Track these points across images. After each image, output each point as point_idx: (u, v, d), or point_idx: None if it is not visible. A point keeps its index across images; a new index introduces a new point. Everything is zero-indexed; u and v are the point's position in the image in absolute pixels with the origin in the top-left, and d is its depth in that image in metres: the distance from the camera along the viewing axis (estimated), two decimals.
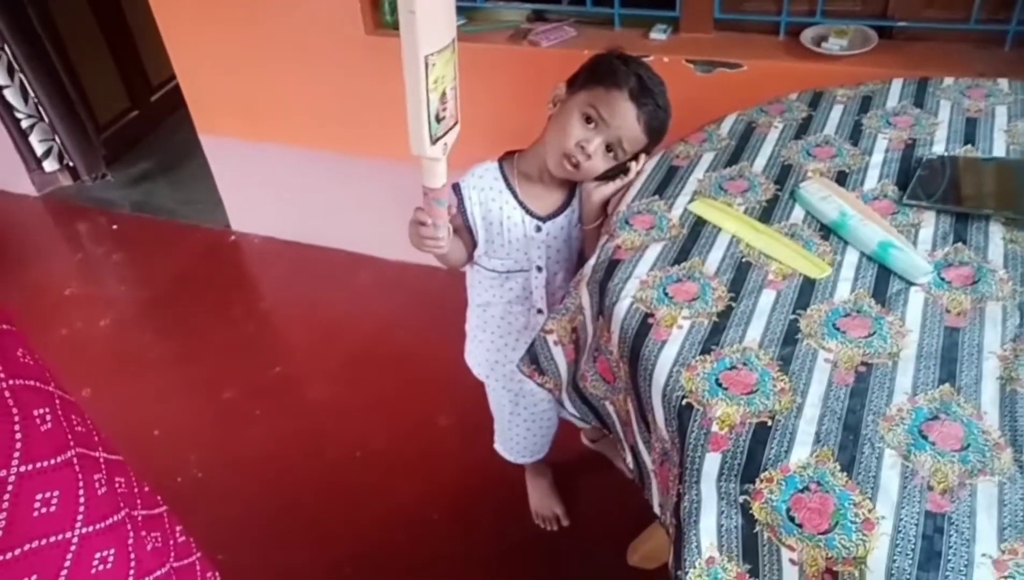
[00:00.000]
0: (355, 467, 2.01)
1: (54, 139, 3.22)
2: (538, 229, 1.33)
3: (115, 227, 3.10)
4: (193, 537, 1.92)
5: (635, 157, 1.27)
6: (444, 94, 0.99)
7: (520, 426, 1.65)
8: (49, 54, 3.03)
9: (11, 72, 3.02)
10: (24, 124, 3.14)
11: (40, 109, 3.13)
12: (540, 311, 1.42)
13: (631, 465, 1.11)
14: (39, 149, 3.21)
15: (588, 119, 1.21)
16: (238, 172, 2.80)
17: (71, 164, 3.28)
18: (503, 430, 1.69)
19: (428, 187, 1.10)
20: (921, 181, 1.18)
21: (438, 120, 1.00)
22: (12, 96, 3.07)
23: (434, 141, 1.01)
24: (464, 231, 1.35)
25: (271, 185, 2.74)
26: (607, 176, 1.26)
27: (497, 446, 1.74)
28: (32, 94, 3.07)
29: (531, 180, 1.32)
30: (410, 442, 2.06)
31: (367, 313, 2.51)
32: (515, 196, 1.32)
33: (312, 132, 2.52)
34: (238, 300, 2.65)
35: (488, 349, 1.53)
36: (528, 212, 1.32)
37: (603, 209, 1.29)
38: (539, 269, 1.37)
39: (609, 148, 1.22)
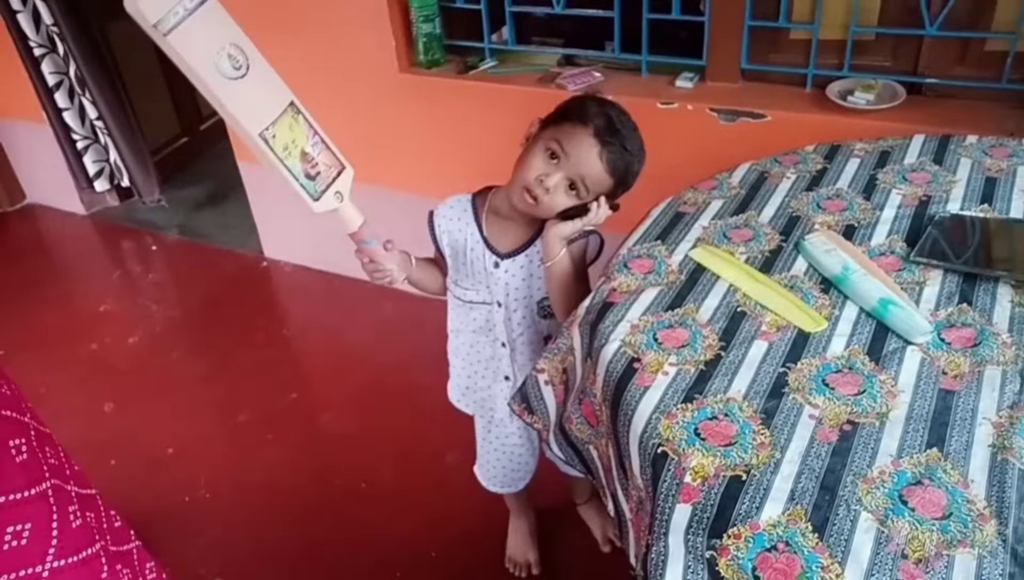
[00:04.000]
0: (360, 498, 2.00)
1: (107, 160, 3.35)
2: (496, 265, 1.32)
3: (155, 248, 3.20)
4: (194, 557, 1.93)
5: (597, 199, 1.21)
6: (305, 153, 1.02)
7: (492, 454, 1.63)
8: (116, 80, 3.17)
9: (71, 96, 3.17)
10: (80, 145, 3.27)
11: (97, 131, 3.27)
12: (504, 344, 1.41)
13: (612, 512, 1.08)
14: (92, 169, 3.34)
15: (552, 154, 1.18)
16: (273, 200, 2.86)
17: (122, 185, 3.40)
18: (480, 454, 1.68)
19: (348, 233, 1.14)
20: (931, 239, 1.15)
21: (311, 178, 1.03)
22: (71, 118, 3.22)
23: (318, 197, 1.04)
24: (440, 257, 1.38)
25: (304, 214, 2.79)
26: (568, 215, 1.22)
27: (475, 469, 1.71)
28: (90, 117, 3.22)
29: (499, 216, 1.32)
30: (416, 476, 2.05)
31: (387, 345, 2.52)
32: (480, 230, 1.32)
33: None
34: (263, 325, 2.70)
35: (459, 374, 1.53)
36: (490, 248, 1.32)
37: (562, 248, 1.24)
38: (499, 304, 1.36)
39: (572, 186, 1.19)
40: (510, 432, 1.56)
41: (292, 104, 1.02)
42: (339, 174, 1.07)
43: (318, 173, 1.03)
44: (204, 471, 2.11)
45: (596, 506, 1.84)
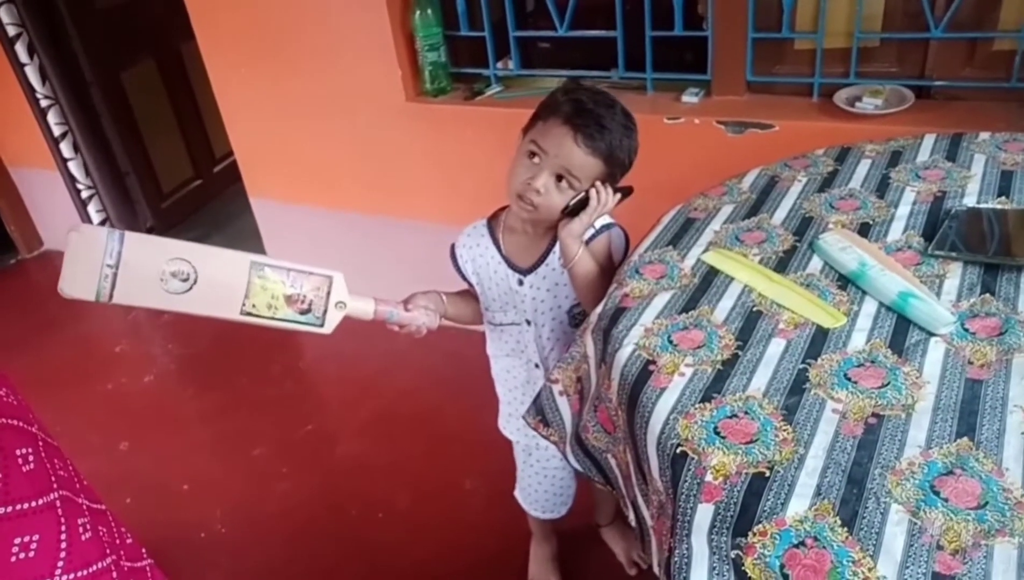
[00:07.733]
0: (376, 527, 1.97)
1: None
2: (520, 283, 1.31)
3: None
4: None
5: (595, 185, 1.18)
6: (289, 297, 1.02)
7: (533, 478, 1.60)
8: (105, 133, 3.25)
9: (76, 148, 3.24)
10: (84, 194, 3.34)
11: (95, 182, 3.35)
12: (537, 365, 1.39)
13: (633, 522, 1.05)
14: (96, 218, 3.40)
15: (533, 155, 1.16)
16: (284, 234, 2.88)
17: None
18: (521, 478, 1.65)
19: (367, 321, 1.16)
20: (949, 232, 1.13)
21: (304, 314, 1.04)
22: (75, 169, 3.29)
23: (323, 323, 1.05)
24: (471, 286, 1.37)
25: (315, 246, 2.81)
26: (574, 212, 1.19)
27: (516, 493, 1.68)
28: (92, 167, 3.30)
29: (515, 233, 1.31)
30: (433, 504, 2.02)
31: (401, 373, 2.50)
32: (499, 251, 1.31)
33: (354, 195, 2.59)
34: (278, 358, 2.69)
35: (503, 401, 1.52)
36: (511, 266, 1.31)
37: (579, 246, 1.21)
38: (528, 323, 1.35)
39: (561, 179, 1.16)
40: (551, 455, 1.53)
41: (252, 264, 1.01)
42: (330, 287, 1.07)
43: (310, 302, 1.04)
44: (219, 506, 2.09)
45: (620, 528, 1.79)
